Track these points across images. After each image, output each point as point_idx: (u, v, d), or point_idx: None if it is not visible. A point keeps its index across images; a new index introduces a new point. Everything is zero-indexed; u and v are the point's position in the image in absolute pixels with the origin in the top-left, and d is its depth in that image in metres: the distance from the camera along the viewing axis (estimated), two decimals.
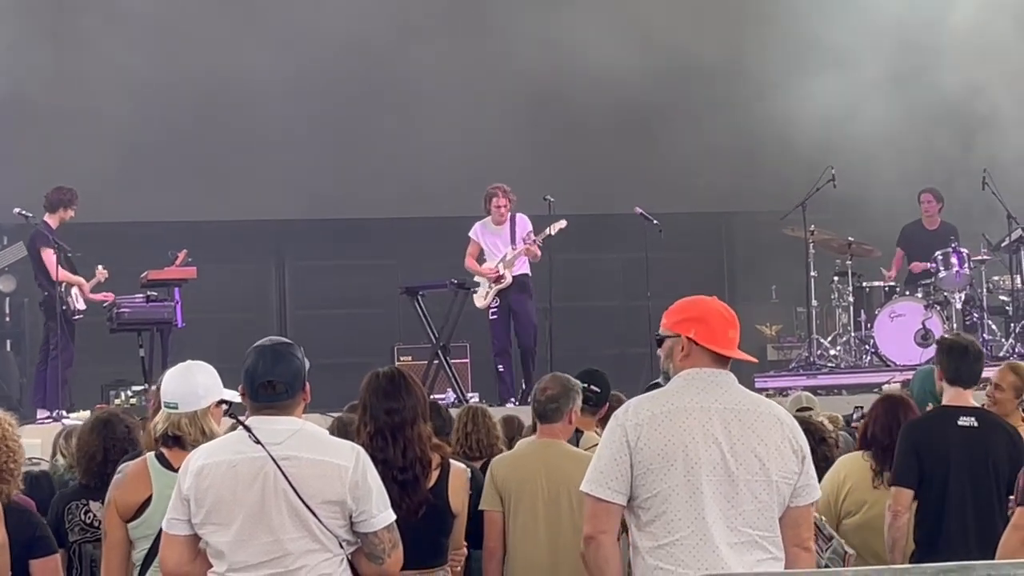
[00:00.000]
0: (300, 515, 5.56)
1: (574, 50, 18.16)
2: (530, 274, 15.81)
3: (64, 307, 15.06)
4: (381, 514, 5.68)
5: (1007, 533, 6.40)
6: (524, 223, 15.80)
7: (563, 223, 15.58)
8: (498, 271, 15.65)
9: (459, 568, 7.09)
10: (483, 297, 15.80)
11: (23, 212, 15.08)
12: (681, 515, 5.38)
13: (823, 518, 7.40)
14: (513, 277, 15.65)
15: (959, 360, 7.91)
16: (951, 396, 7.90)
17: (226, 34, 17.59)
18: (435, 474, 6.72)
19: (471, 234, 15.91)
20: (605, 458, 5.48)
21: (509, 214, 15.70)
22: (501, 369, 15.73)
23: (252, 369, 5.70)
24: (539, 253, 15.66)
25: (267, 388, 5.68)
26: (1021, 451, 7.69)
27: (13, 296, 17.33)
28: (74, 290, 15.31)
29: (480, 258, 15.89)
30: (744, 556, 5.39)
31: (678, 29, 18.22)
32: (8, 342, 17.34)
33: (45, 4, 17.76)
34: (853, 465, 8.16)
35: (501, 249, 15.74)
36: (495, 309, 15.74)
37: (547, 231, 15.59)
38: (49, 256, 14.99)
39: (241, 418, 5.79)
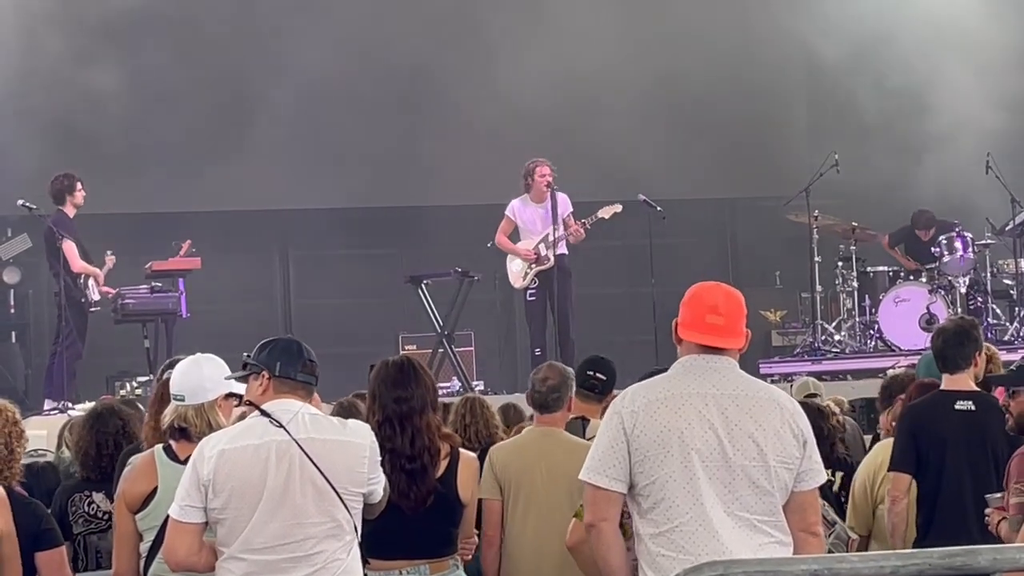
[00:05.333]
0: (325, 498, 5.59)
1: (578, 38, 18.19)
2: (567, 254, 15.14)
3: (83, 299, 15.06)
4: (380, 485, 5.79)
5: None
6: (565, 202, 15.06)
7: (618, 207, 15.12)
8: (537, 252, 15.05)
9: (469, 557, 7.10)
10: (521, 277, 15.19)
11: (27, 204, 15.06)
12: (679, 501, 5.36)
13: (826, 504, 7.40)
14: (555, 258, 14.95)
15: (940, 346, 7.92)
16: (948, 381, 7.89)
17: (230, 29, 17.60)
18: (444, 463, 6.72)
19: (507, 211, 15.25)
20: (603, 446, 5.46)
21: (549, 191, 14.98)
22: (538, 353, 15.00)
23: (296, 349, 5.80)
24: (584, 235, 15.05)
25: (310, 367, 5.78)
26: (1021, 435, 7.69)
27: (18, 288, 17.32)
28: (91, 281, 15.30)
29: (513, 236, 15.26)
30: (745, 541, 5.35)
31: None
32: (13, 334, 17.33)
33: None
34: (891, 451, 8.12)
35: (540, 227, 15.03)
36: (533, 291, 15.14)
37: (599, 214, 15.08)
38: (70, 247, 14.93)
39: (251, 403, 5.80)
